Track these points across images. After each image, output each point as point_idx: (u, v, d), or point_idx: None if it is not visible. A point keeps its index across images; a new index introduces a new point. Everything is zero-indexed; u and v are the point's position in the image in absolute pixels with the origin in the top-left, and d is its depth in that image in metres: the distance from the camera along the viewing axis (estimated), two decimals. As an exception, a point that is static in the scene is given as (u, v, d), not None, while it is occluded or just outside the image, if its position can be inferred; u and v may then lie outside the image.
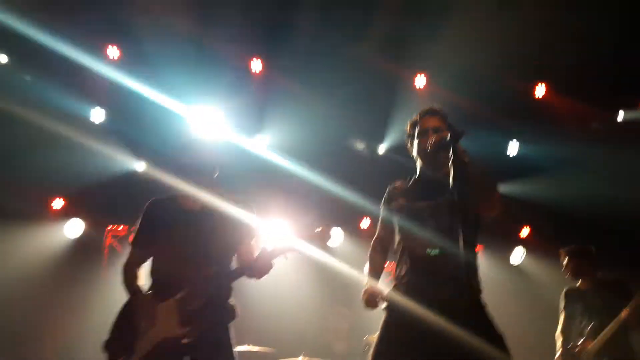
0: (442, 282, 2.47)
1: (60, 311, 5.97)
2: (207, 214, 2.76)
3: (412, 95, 5.97)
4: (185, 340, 2.58)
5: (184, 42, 5.35)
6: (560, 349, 4.27)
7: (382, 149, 6.66)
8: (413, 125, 2.79)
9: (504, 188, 6.74)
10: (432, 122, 2.71)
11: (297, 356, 5.11)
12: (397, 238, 2.74)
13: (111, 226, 6.55)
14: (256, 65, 5.89)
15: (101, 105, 5.83)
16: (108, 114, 5.86)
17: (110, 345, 2.67)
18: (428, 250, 2.52)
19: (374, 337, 4.82)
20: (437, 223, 2.55)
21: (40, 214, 6.11)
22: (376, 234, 2.91)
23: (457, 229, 2.36)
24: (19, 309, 5.67)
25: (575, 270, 4.38)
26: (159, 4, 4.82)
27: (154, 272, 2.79)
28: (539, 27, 5.22)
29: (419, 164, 2.77)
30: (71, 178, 5.85)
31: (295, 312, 6.36)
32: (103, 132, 5.80)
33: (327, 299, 6.42)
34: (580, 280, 4.41)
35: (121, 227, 6.56)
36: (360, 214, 6.91)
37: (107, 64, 5.53)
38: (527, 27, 5.18)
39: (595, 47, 5.35)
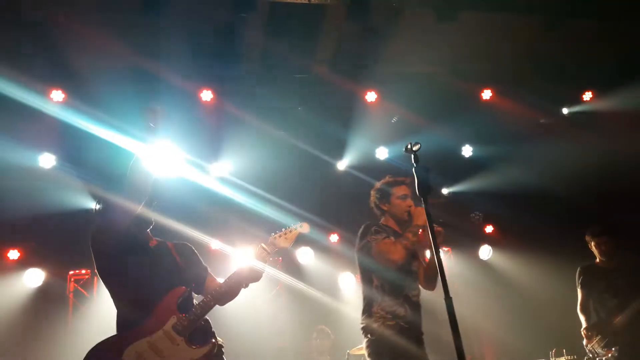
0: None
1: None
2: (164, 250, 2.79)
3: (365, 111, 6.07)
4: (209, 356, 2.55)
5: (130, 78, 5.28)
6: (585, 324, 4.41)
7: (341, 164, 6.70)
8: (388, 185, 3.42)
9: (462, 187, 6.96)
10: (405, 190, 3.37)
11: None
12: (385, 278, 3.18)
13: (73, 271, 6.37)
14: (207, 95, 5.86)
15: (50, 150, 5.66)
16: (58, 158, 5.68)
17: None
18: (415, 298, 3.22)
19: (355, 351, 4.87)
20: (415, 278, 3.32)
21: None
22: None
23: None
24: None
25: (608, 250, 4.44)
26: (102, 43, 4.73)
27: (123, 308, 2.65)
28: (478, 35, 5.42)
29: (392, 221, 3.37)
30: (26, 226, 5.63)
31: (277, 333, 6.32)
32: (55, 176, 5.61)
33: (308, 318, 6.40)
34: (602, 260, 4.49)
35: (83, 271, 6.39)
36: (327, 230, 6.94)
37: (53, 108, 5.37)
38: (466, 36, 5.38)
39: (533, 47, 5.58)
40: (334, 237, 6.99)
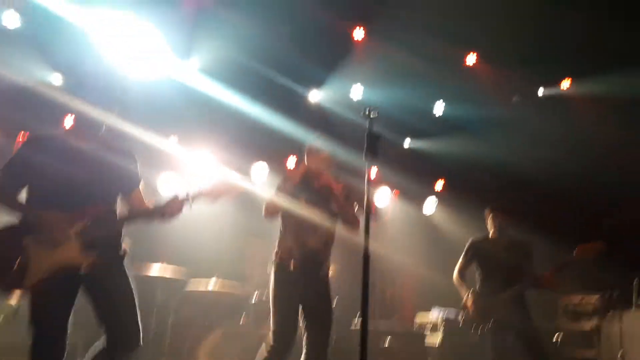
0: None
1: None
2: (96, 155, 2.85)
3: (351, 47, 5.95)
4: (85, 269, 2.68)
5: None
6: (467, 293, 4.64)
7: (315, 95, 6.58)
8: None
9: (426, 144, 7.09)
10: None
11: (210, 277, 5.33)
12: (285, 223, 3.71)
13: (23, 133, 6.18)
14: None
15: (15, 9, 5.31)
16: (23, 20, 5.35)
17: None
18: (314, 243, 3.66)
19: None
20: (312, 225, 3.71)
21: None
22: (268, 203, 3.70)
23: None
24: None
25: (501, 226, 4.73)
26: None
27: (34, 200, 2.77)
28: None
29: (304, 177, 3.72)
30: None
31: (212, 238, 6.37)
32: (17, 38, 5.30)
33: (244, 229, 6.53)
34: (495, 236, 4.77)
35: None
36: (287, 151, 6.97)
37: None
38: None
39: (524, 23, 5.51)
40: (291, 161, 7.08)
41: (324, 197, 3.64)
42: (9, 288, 2.66)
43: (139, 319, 2.82)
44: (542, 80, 6.53)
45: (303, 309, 3.60)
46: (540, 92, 6.61)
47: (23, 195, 2.79)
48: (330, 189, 3.65)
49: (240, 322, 5.24)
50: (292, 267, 3.56)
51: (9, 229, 2.71)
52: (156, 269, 5.35)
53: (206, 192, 2.95)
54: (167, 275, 5.39)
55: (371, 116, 2.57)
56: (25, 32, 5.24)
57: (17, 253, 2.62)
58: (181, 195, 2.91)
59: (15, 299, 3.00)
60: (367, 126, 2.56)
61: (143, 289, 5.31)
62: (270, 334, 3.51)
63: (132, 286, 2.85)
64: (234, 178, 3.03)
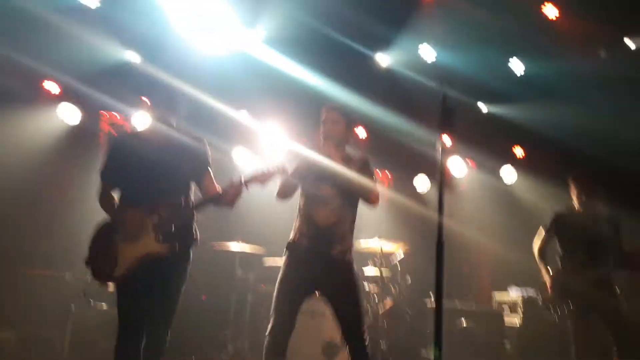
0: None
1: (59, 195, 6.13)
2: (168, 149, 3.09)
3: (422, 8, 5.61)
4: (161, 255, 2.98)
5: None
6: (548, 271, 4.35)
7: (382, 59, 6.29)
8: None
9: (505, 109, 6.65)
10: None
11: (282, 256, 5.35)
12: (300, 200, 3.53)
13: (107, 113, 6.42)
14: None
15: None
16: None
17: (94, 262, 3.02)
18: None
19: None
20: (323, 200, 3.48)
21: (34, 97, 6.02)
22: None
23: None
24: (17, 193, 5.75)
25: (587, 197, 4.32)
26: None
27: (124, 199, 3.12)
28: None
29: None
30: (66, 64, 5.68)
31: (285, 216, 6.44)
32: (98, 18, 5.49)
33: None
34: (579, 208, 4.38)
35: (117, 115, 6.46)
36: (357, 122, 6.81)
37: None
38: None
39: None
40: (360, 132, 6.99)
41: (335, 172, 3.35)
42: (105, 280, 3.03)
43: (167, 327, 3.03)
44: (633, 29, 5.76)
45: (322, 294, 3.38)
46: (631, 45, 5.70)
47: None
48: (342, 163, 3.39)
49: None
50: (302, 247, 3.35)
51: (104, 227, 3.06)
52: (234, 247, 5.48)
53: (258, 176, 3.10)
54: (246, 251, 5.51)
55: (445, 87, 2.42)
56: (105, 11, 5.38)
57: (110, 249, 2.97)
58: (236, 180, 3.08)
59: (111, 289, 3.34)
60: (440, 97, 2.40)
61: (223, 265, 5.68)
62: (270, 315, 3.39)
63: (182, 284, 3.09)
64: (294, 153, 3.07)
